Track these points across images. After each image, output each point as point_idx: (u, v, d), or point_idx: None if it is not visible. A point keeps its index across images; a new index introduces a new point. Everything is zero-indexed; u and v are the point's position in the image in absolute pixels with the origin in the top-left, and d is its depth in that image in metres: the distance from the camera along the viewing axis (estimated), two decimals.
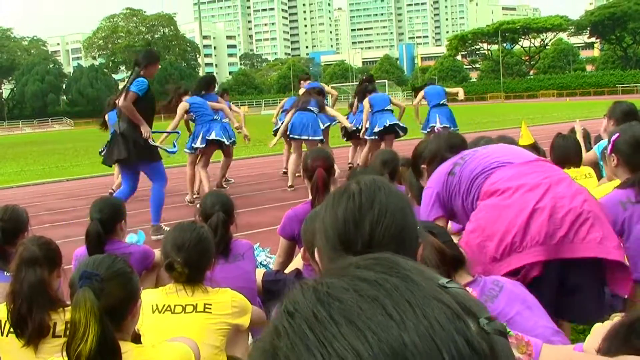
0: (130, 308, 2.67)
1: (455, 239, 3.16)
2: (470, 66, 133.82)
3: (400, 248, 1.73)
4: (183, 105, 12.32)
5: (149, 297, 3.51)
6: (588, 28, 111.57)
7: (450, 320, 0.75)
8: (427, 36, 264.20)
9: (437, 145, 3.94)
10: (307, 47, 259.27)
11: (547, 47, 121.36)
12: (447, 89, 15.52)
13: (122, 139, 8.97)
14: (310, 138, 12.60)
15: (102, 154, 11.26)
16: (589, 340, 2.04)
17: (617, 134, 4.29)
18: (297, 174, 13.80)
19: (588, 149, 6.77)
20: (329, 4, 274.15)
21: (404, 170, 5.90)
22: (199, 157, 12.64)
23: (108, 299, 2.50)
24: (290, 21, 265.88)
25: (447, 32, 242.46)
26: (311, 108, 12.77)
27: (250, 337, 4.34)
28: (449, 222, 4.44)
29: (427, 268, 0.87)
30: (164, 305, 3.45)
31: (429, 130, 14.22)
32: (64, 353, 2.41)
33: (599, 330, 2.04)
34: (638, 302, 3.51)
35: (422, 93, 14.86)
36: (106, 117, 12.87)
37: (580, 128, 7.21)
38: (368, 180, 1.85)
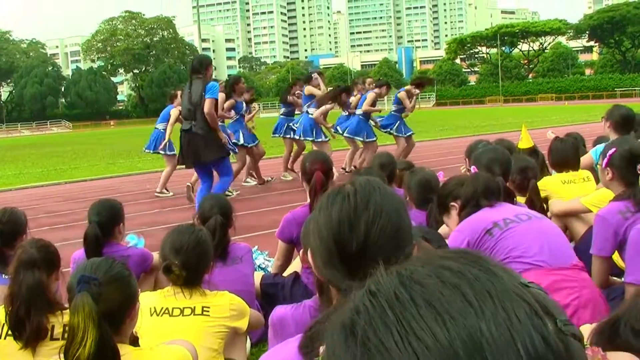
0: (129, 311, 2.68)
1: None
2: (469, 70, 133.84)
3: (395, 249, 1.72)
4: (230, 103, 12.83)
5: (147, 299, 3.51)
6: (587, 32, 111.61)
7: (529, 315, 0.76)
8: (426, 40, 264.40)
9: (474, 189, 3.90)
10: (306, 50, 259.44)
11: (545, 50, 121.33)
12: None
13: (203, 140, 9.71)
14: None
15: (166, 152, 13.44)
16: None
17: (613, 149, 4.30)
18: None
19: (582, 153, 6.77)
20: (328, 7, 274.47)
21: (403, 174, 5.91)
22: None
23: (106, 303, 2.49)
24: (289, 24, 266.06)
25: (446, 35, 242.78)
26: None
27: (248, 340, 4.34)
28: (445, 227, 4.46)
29: (511, 268, 0.87)
30: (162, 308, 3.45)
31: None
32: (62, 355, 2.41)
33: (586, 329, 2.05)
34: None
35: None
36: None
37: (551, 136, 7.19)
38: (363, 180, 1.84)
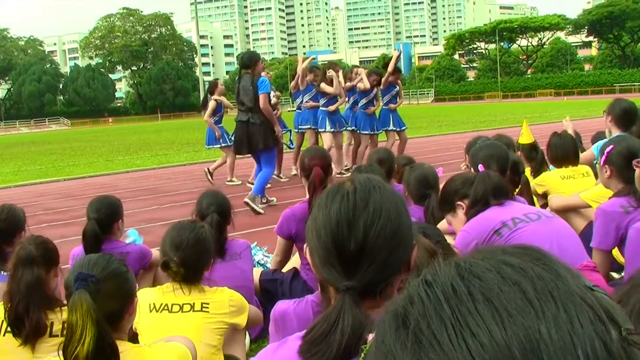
0: (127, 307, 2.67)
1: (449, 240, 3.14)
2: (467, 65, 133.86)
3: (395, 249, 1.70)
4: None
5: (147, 296, 3.51)
6: (586, 27, 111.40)
7: (592, 321, 0.73)
8: (424, 35, 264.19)
9: (484, 188, 3.83)
10: (304, 46, 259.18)
11: (544, 46, 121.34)
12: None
13: (260, 129, 10.34)
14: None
15: (223, 141, 13.66)
16: None
17: (611, 146, 4.30)
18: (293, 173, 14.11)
19: (579, 149, 6.76)
20: (326, 3, 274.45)
21: (402, 169, 5.90)
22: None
23: (104, 300, 2.48)
24: (287, 20, 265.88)
25: (445, 31, 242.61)
26: None
27: (247, 336, 4.34)
28: (444, 223, 4.44)
29: (577, 270, 0.83)
30: (162, 304, 3.45)
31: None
32: (60, 353, 2.40)
33: None
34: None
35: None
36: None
37: (570, 125, 7.19)
38: (362, 179, 1.81)
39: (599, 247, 4.18)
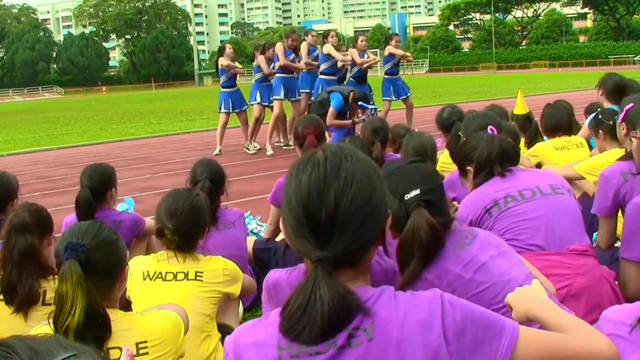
0: (118, 276, 2.63)
1: None
2: (462, 36, 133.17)
3: (367, 218, 1.68)
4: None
5: (140, 264, 3.50)
6: None
7: None
8: (419, 5, 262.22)
9: (489, 153, 3.65)
10: (298, 16, 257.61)
11: (539, 17, 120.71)
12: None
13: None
14: None
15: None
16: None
17: (631, 104, 4.23)
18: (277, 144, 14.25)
19: (574, 122, 6.74)
20: None
21: (400, 140, 5.88)
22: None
23: (95, 269, 2.45)
24: None
25: (440, 1, 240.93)
26: None
27: (241, 305, 4.35)
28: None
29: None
30: (155, 272, 3.44)
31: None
32: (51, 322, 2.39)
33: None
34: (627, 281, 3.49)
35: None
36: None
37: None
38: (334, 147, 1.78)
39: (599, 213, 4.15)
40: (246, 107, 13.94)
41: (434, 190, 2.68)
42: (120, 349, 2.40)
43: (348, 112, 9.49)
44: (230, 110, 13.68)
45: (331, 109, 9.38)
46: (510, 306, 2.16)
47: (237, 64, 13.90)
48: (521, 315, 2.09)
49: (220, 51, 13.83)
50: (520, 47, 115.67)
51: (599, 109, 5.82)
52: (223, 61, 13.40)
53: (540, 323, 2.04)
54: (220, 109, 13.86)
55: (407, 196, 2.61)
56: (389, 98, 14.55)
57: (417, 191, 2.61)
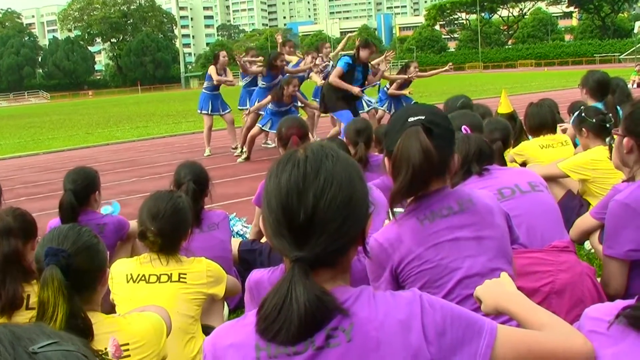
0: (99, 279, 2.62)
1: None
2: (448, 36, 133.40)
3: (347, 219, 1.67)
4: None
5: (124, 266, 3.49)
6: None
7: None
8: (405, 6, 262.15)
9: (467, 151, 3.62)
10: (284, 17, 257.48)
11: (525, 16, 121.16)
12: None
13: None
14: None
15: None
16: None
17: None
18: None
19: (557, 120, 6.76)
20: None
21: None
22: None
23: (76, 274, 2.42)
24: None
25: (426, 1, 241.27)
26: None
27: (225, 306, 4.34)
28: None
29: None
30: (139, 274, 3.43)
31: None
32: None
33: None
34: (610, 278, 3.46)
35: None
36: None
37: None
38: (315, 147, 1.77)
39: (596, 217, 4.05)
40: (228, 110, 13.85)
41: (442, 127, 2.64)
42: (102, 351, 2.39)
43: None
44: (209, 112, 13.63)
45: (337, 68, 9.51)
46: (478, 299, 2.16)
47: (229, 74, 13.90)
48: (490, 309, 2.09)
49: (215, 58, 13.64)
50: (507, 47, 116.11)
51: (582, 107, 5.86)
52: (214, 75, 13.31)
53: (510, 316, 2.05)
54: (200, 110, 13.88)
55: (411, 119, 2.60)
56: (387, 111, 14.33)
57: (422, 117, 2.59)
